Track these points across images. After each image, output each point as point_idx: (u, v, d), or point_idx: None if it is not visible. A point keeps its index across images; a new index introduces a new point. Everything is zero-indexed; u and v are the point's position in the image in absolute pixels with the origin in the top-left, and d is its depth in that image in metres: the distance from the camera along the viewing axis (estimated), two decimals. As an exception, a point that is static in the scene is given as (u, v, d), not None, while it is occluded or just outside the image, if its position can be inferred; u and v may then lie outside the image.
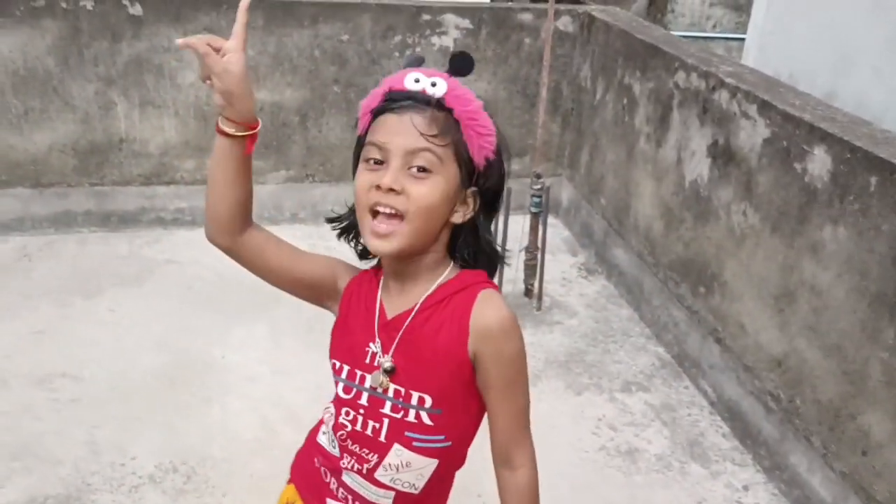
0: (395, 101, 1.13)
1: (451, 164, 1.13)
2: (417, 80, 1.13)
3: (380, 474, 1.23)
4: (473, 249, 1.21)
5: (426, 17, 3.98)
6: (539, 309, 3.53)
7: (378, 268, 1.27)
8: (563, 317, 3.51)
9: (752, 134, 2.70)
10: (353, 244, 1.27)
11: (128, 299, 3.32)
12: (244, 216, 1.23)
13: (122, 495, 2.34)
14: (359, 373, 1.22)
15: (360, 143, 1.18)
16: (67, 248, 3.72)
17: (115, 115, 3.74)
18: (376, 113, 1.15)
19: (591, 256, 4.04)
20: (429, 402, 1.19)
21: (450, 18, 4.02)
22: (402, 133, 1.11)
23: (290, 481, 1.41)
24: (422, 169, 1.11)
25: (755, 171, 2.69)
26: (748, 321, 2.74)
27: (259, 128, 1.16)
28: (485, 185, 1.18)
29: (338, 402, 1.26)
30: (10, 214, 3.75)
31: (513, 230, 3.45)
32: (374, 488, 1.25)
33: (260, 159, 3.96)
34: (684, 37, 4.75)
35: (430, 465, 1.23)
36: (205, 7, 3.67)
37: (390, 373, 1.19)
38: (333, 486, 1.30)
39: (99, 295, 3.34)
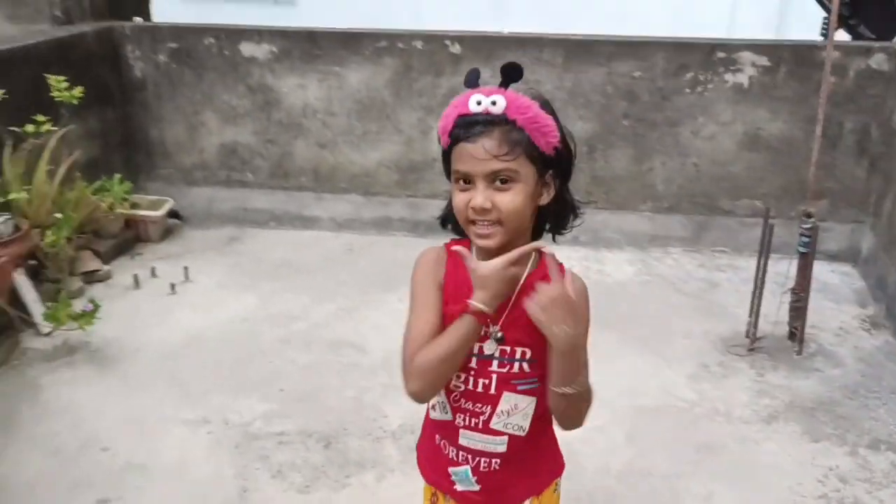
0: (466, 127, 1.33)
1: (526, 166, 1.34)
2: (479, 102, 1.32)
3: (494, 423, 1.47)
4: (562, 216, 1.45)
5: (721, 54, 4.04)
6: (800, 353, 3.38)
7: (460, 241, 1.49)
8: (826, 366, 3.33)
9: None
10: (449, 227, 1.51)
11: (417, 294, 3.87)
12: None
13: (367, 442, 2.83)
14: None
15: (444, 154, 1.41)
16: (383, 249, 4.43)
17: (431, 139, 4.38)
18: (453, 138, 1.36)
19: (880, 310, 3.73)
20: (529, 354, 1.44)
21: (746, 56, 4.03)
22: (479, 161, 1.32)
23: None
24: (504, 181, 1.33)
25: None
26: None
27: None
28: (559, 165, 1.39)
29: None
30: (344, 216, 4.59)
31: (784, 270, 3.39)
32: (489, 437, 1.49)
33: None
34: None
35: (531, 403, 1.47)
36: (512, 46, 4.16)
37: (500, 341, 1.44)
38: (452, 454, 1.54)
39: (395, 289, 3.93)
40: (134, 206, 4.36)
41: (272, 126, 4.50)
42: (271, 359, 3.36)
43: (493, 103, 1.32)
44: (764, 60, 4.01)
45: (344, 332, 3.55)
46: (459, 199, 1.37)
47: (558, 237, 1.51)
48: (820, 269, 4.14)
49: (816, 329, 3.60)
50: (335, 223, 4.59)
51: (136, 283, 3.96)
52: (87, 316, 3.29)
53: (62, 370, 3.24)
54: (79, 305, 3.42)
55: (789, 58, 3.99)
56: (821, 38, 4.49)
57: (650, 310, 3.81)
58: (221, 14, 6.26)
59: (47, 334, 3.45)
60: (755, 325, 3.40)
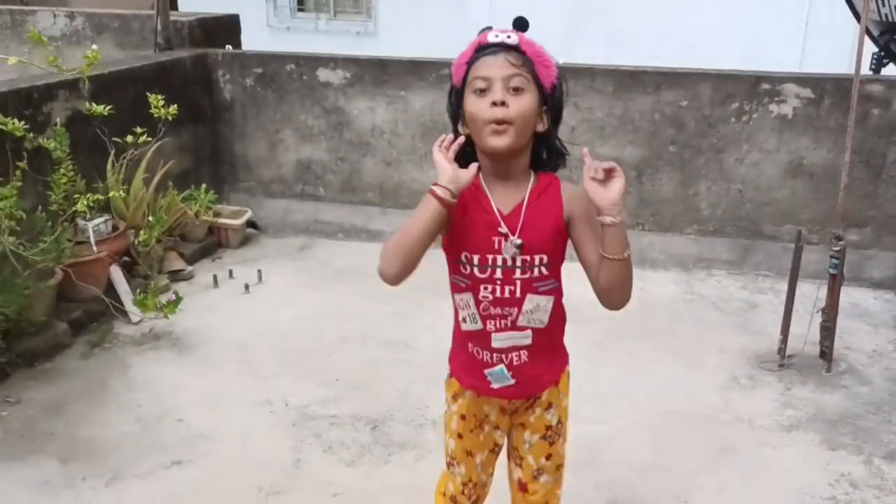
0: (485, 49, 1.65)
1: (533, 86, 1.64)
2: (497, 35, 1.66)
3: (521, 321, 1.76)
4: (550, 149, 1.75)
5: (766, 86, 4.24)
6: (829, 371, 3.52)
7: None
8: (853, 383, 3.46)
9: None
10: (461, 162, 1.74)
11: (468, 302, 4.17)
12: None
13: (409, 428, 3.13)
14: (490, 256, 1.71)
15: (455, 92, 1.72)
16: (439, 260, 4.68)
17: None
18: (472, 61, 1.66)
19: (917, 335, 3.83)
20: (546, 258, 1.73)
21: (790, 88, 4.21)
22: (498, 66, 1.62)
23: (450, 376, 1.94)
24: (517, 88, 1.62)
25: None
26: None
27: None
28: (552, 103, 1.69)
29: (474, 284, 1.75)
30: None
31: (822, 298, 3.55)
32: (517, 333, 1.77)
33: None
34: None
35: (549, 301, 1.77)
36: (565, 75, 4.43)
37: (520, 248, 1.71)
38: (486, 357, 1.81)
39: (447, 296, 4.22)
40: (217, 214, 4.80)
41: (343, 145, 4.90)
42: (330, 352, 3.70)
43: (509, 37, 1.65)
44: (808, 92, 4.19)
45: (397, 332, 3.87)
46: (478, 103, 1.63)
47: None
48: (862, 295, 4.28)
49: (850, 350, 3.73)
50: (397, 236, 4.92)
51: (215, 282, 4.38)
52: (171, 305, 3.71)
53: (147, 353, 3.66)
54: (164, 299, 3.84)
55: (832, 90, 4.16)
56: (870, 72, 4.63)
57: (689, 325, 4.00)
58: (310, 45, 6.77)
59: (136, 322, 3.88)
60: (785, 342, 3.56)
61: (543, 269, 1.73)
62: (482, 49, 1.66)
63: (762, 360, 3.63)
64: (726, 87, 4.29)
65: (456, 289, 1.84)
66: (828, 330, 3.57)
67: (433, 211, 1.63)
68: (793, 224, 4.37)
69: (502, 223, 1.71)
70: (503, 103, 1.61)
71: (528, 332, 1.77)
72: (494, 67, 1.63)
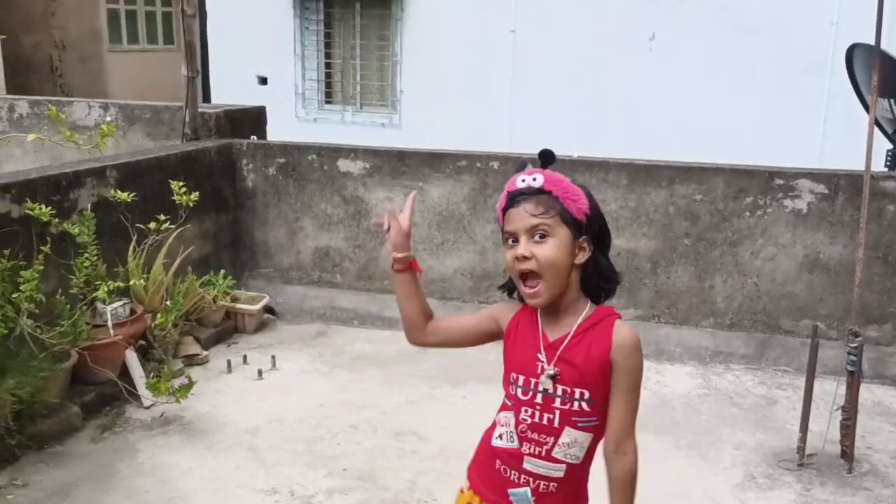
0: (514, 198, 1.73)
1: (561, 226, 1.69)
2: (524, 180, 1.73)
3: (556, 452, 1.76)
4: (600, 278, 1.75)
5: (779, 181, 4.27)
6: (850, 472, 3.42)
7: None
8: (877, 485, 3.35)
9: None
10: (514, 296, 1.85)
11: (481, 392, 4.12)
12: (426, 314, 1.93)
13: (416, 521, 3.07)
14: (533, 380, 1.76)
15: (502, 231, 1.79)
16: (454, 349, 4.72)
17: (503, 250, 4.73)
18: (505, 210, 1.77)
19: (941, 435, 3.72)
20: (587, 395, 1.73)
21: (804, 183, 4.24)
22: (520, 219, 1.71)
23: (467, 489, 1.93)
24: (541, 236, 1.69)
25: None
26: None
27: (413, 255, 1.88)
28: (592, 231, 1.73)
29: (517, 404, 1.78)
30: (421, 318, 4.94)
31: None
32: (551, 465, 1.77)
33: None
34: None
35: (588, 438, 1.76)
36: (580, 168, 4.52)
37: (554, 378, 1.74)
38: (514, 476, 1.80)
39: (461, 385, 4.23)
40: (234, 299, 4.85)
41: (361, 233, 4.98)
42: (340, 440, 3.67)
43: (534, 179, 1.72)
44: (821, 188, 4.22)
45: (408, 421, 3.83)
46: (508, 255, 1.74)
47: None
48: (884, 393, 4.19)
49: (872, 450, 3.63)
50: (413, 324, 4.93)
51: (229, 367, 4.39)
52: (183, 389, 3.72)
53: (157, 437, 3.65)
54: (177, 383, 3.85)
55: (846, 185, 4.18)
56: (885, 169, 4.66)
57: (704, 420, 3.93)
58: (336, 136, 6.97)
59: (148, 407, 3.88)
60: (804, 440, 3.48)
61: (584, 405, 1.73)
62: (512, 198, 1.75)
63: (780, 459, 3.54)
64: (740, 182, 4.33)
65: (502, 407, 1.86)
66: (847, 428, 3.48)
67: (400, 280, 1.91)
68: (810, 319, 4.33)
69: (542, 350, 1.76)
70: (525, 258, 1.70)
71: (563, 465, 1.77)
72: (518, 221, 1.72)
